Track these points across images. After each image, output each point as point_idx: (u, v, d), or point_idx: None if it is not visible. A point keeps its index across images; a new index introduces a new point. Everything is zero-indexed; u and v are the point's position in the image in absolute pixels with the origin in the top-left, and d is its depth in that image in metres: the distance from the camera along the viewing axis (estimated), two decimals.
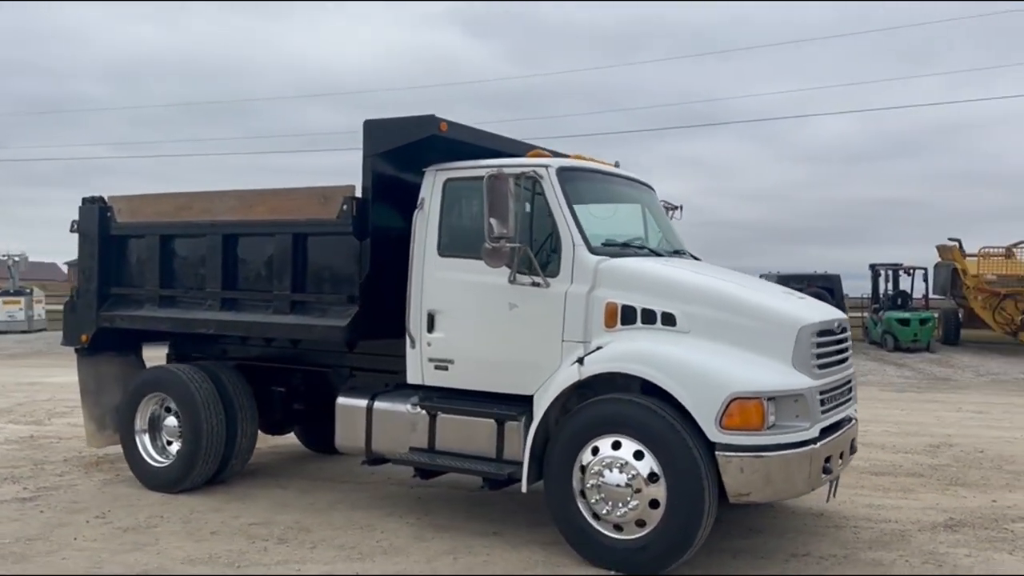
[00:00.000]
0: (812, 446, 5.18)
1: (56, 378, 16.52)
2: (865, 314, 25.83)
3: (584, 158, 6.50)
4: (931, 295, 24.48)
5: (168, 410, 7.51)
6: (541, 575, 5.31)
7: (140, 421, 7.52)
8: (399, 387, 6.66)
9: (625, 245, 6.07)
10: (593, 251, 5.72)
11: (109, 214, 7.81)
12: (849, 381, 6.00)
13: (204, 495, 7.15)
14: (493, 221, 5.51)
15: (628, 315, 5.51)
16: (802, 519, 6.54)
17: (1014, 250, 23.73)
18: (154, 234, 7.50)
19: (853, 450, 6.00)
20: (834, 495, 5.83)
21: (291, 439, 9.02)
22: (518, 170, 5.82)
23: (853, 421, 6.01)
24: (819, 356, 5.44)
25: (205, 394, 7.15)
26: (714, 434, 4.98)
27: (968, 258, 23.33)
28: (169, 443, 7.50)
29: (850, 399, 5.98)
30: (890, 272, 24.56)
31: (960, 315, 24.54)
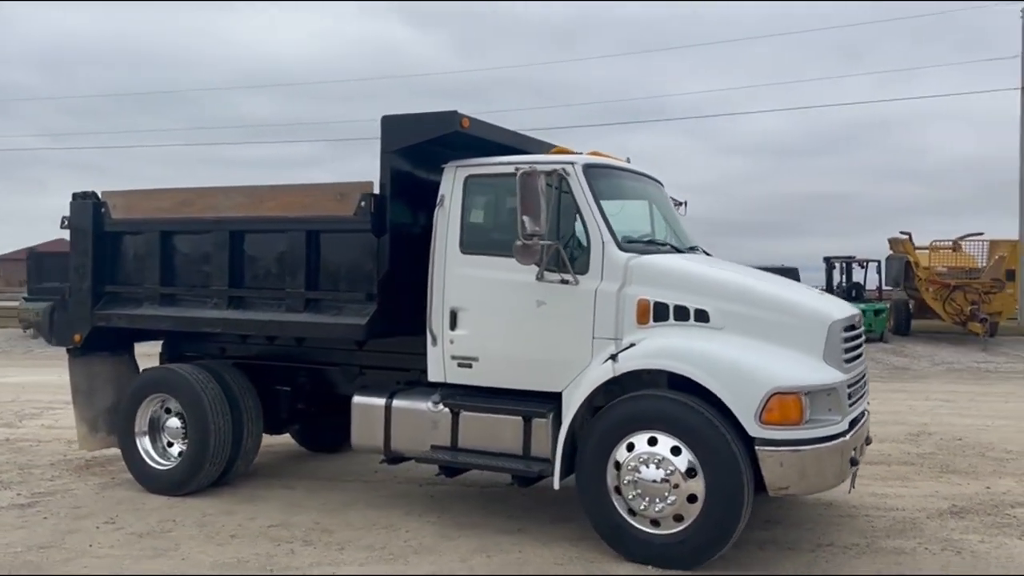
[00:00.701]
0: (843, 439, 5.30)
1: (14, 378, 16.00)
2: None
3: (600, 154, 6.51)
4: (884, 287, 25.19)
5: (168, 411, 7.33)
6: (581, 574, 5.32)
7: (141, 423, 7.32)
8: (413, 385, 6.63)
9: (650, 242, 6.11)
10: (622, 248, 5.75)
11: (103, 210, 7.57)
12: (865, 375, 6.14)
13: (211, 498, 7.00)
14: (526, 218, 5.50)
15: (661, 312, 5.55)
16: (814, 509, 6.68)
17: (961, 243, 24.54)
18: (153, 231, 7.29)
19: (868, 441, 6.16)
20: (853, 486, 5.99)
21: (284, 438, 8.88)
22: (545, 167, 5.81)
23: (867, 414, 6.16)
24: (846, 351, 5.56)
25: (212, 395, 7.00)
26: (754, 429, 5.06)
27: (918, 251, 24.05)
28: (170, 445, 7.33)
29: (866, 392, 6.13)
30: (844, 264, 25.18)
31: (911, 306, 25.30)
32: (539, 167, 5.60)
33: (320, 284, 6.63)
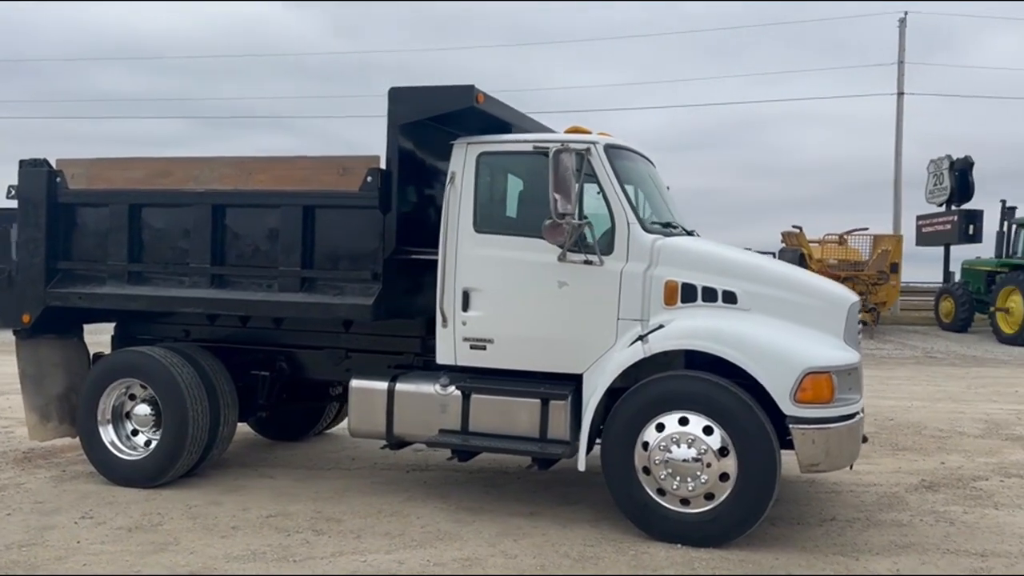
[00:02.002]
0: (860, 416, 5.50)
1: None
2: None
3: (582, 129, 6.37)
4: None
5: (133, 397, 6.84)
6: (615, 554, 5.30)
7: (104, 411, 6.79)
8: (407, 368, 6.45)
9: (667, 224, 6.13)
10: (646, 229, 5.75)
11: (58, 179, 6.95)
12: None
13: (188, 489, 6.57)
14: (558, 197, 5.41)
15: (688, 293, 5.59)
16: (801, 487, 6.90)
17: (846, 237, 25.96)
18: (121, 203, 6.74)
19: None
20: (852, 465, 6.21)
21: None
22: (552, 145, 5.73)
23: None
24: (858, 332, 5.77)
25: (188, 380, 6.56)
26: (788, 408, 5.17)
27: (810, 244, 25.28)
28: (135, 433, 6.83)
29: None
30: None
31: None
32: (571, 146, 5.52)
33: (318, 263, 6.32)
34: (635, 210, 5.77)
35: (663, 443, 5.36)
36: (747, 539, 5.42)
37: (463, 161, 6.10)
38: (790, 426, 5.18)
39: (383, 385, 6.25)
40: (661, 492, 5.41)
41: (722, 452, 5.26)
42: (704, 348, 5.35)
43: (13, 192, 7.05)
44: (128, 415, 6.86)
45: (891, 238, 25.50)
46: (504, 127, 6.42)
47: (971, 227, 26.91)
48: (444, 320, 6.07)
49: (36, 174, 6.96)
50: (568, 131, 6.17)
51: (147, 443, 6.78)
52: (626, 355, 5.53)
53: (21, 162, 7.09)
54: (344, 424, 8.72)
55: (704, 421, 5.30)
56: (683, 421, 5.35)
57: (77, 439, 7.41)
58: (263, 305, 6.43)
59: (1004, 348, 20.24)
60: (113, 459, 6.72)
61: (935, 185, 28.89)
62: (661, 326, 5.54)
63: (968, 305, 23.81)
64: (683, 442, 5.31)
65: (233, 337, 7.15)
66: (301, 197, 6.27)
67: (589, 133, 6.10)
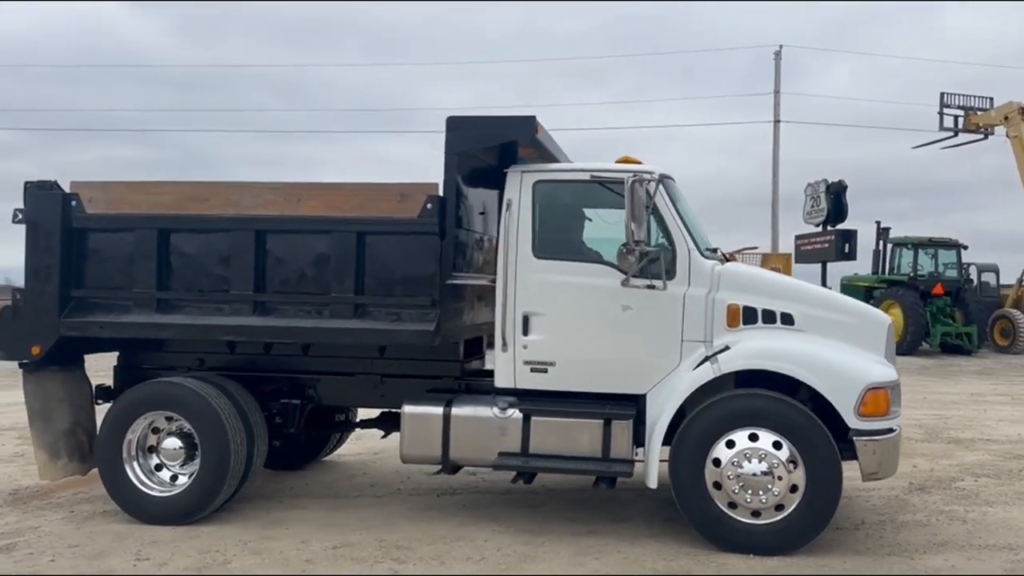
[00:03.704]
0: (900, 428, 6.01)
1: None
2: None
3: (632, 159, 6.68)
4: None
5: (156, 431, 6.55)
6: (694, 567, 5.55)
7: (130, 446, 6.46)
8: (444, 391, 6.52)
9: (713, 250, 6.47)
10: (704, 255, 6.07)
11: (74, 203, 6.59)
12: None
13: (225, 524, 6.34)
14: (633, 225, 5.66)
15: (749, 316, 5.94)
16: None
17: (736, 256, 27.40)
18: (150, 228, 6.47)
19: None
20: None
21: None
22: (618, 176, 6.00)
23: None
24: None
25: (227, 411, 6.37)
26: (853, 421, 5.60)
27: None
28: (159, 468, 6.54)
29: None
30: None
31: None
32: (645, 176, 5.78)
33: (372, 289, 6.27)
34: (694, 237, 6.08)
35: (735, 459, 5.66)
36: (806, 546, 5.79)
37: (519, 188, 6.24)
38: (853, 438, 5.61)
39: (438, 410, 6.27)
40: (732, 505, 5.70)
41: (791, 465, 5.62)
42: (775, 368, 5.71)
43: (20, 216, 6.62)
44: (152, 449, 6.56)
45: (780, 256, 27.14)
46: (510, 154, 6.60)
47: (847, 245, 28.93)
48: (504, 344, 6.18)
49: (48, 197, 6.57)
50: (619, 161, 6.43)
51: (173, 478, 6.50)
52: (696, 375, 5.82)
53: (27, 184, 6.67)
54: (339, 451, 8.69)
55: (773, 436, 5.65)
56: (753, 437, 5.68)
57: (82, 476, 7.08)
58: (315, 332, 6.32)
59: None
60: (143, 497, 6.40)
61: (812, 207, 30.85)
62: (727, 347, 5.86)
63: None
64: (754, 457, 5.64)
65: (253, 365, 6.96)
66: (357, 223, 6.22)
67: (640, 163, 6.37)
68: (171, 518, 6.32)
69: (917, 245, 25.36)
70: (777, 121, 34.44)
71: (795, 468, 5.61)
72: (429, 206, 6.13)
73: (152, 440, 6.56)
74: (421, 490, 7.46)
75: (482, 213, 7.02)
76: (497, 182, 6.84)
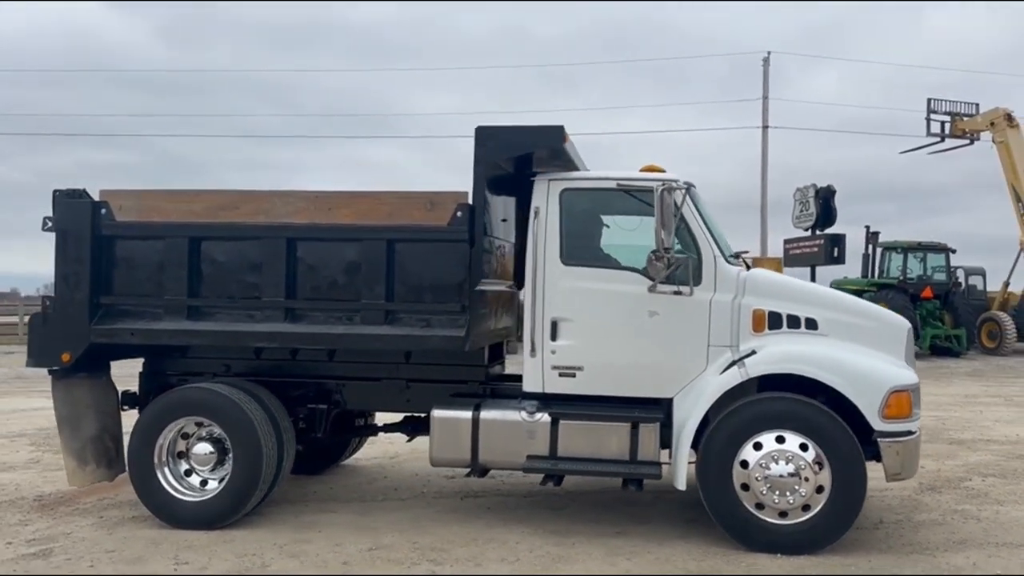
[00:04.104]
0: (920, 429, 6.17)
1: None
2: None
3: (656, 168, 6.81)
4: None
5: (186, 436, 6.62)
6: (724, 566, 5.69)
7: (161, 451, 6.52)
8: (469, 395, 6.63)
9: (736, 256, 6.61)
10: (728, 262, 6.22)
11: (103, 211, 6.65)
12: None
13: (256, 528, 6.41)
14: (663, 232, 5.80)
15: (775, 320, 6.10)
16: None
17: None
18: (181, 235, 6.54)
19: None
20: None
21: None
22: (647, 184, 6.15)
23: None
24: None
25: (259, 416, 6.45)
26: (877, 424, 5.75)
27: None
28: (188, 474, 6.61)
29: None
30: None
31: None
32: (674, 185, 5.93)
33: (402, 295, 6.38)
34: (719, 244, 6.22)
35: (763, 461, 5.80)
36: (830, 546, 5.94)
37: (546, 196, 6.37)
38: (878, 440, 5.77)
39: (467, 414, 6.37)
40: (759, 506, 5.84)
41: (818, 466, 5.76)
42: (802, 372, 5.85)
43: (50, 224, 6.68)
44: (181, 455, 6.62)
45: (771, 260, 27.38)
46: (526, 161, 6.74)
47: (836, 249, 29.23)
48: (533, 349, 6.30)
49: (78, 206, 6.64)
50: (643, 169, 6.56)
51: (203, 483, 6.57)
52: (724, 379, 5.96)
53: (56, 192, 6.73)
54: (356, 455, 8.77)
55: (800, 439, 5.79)
56: (780, 439, 5.82)
57: (109, 483, 7.13)
58: (347, 338, 6.41)
59: None
60: (174, 502, 6.46)
61: (801, 211, 31.10)
62: (753, 352, 6.00)
63: None
64: (781, 459, 5.78)
65: (280, 370, 7.05)
66: (388, 231, 6.32)
67: (663, 171, 6.51)
68: (203, 523, 6.38)
69: (907, 249, 25.73)
70: (766, 127, 34.72)
71: (821, 469, 5.76)
72: (459, 214, 6.24)
73: (181, 445, 6.62)
74: (444, 493, 7.57)
75: (504, 220, 7.14)
76: (512, 188, 6.98)
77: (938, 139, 29.16)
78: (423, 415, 7.17)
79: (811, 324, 6.11)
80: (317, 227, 6.41)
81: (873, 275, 26.46)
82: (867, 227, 27.08)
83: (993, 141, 27.07)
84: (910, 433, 5.90)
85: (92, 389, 7.00)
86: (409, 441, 7.51)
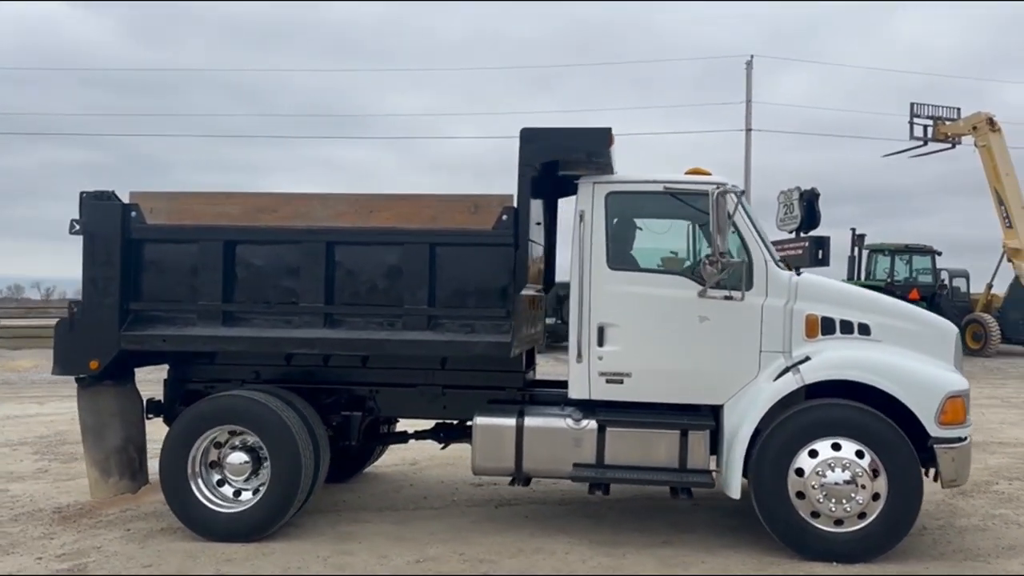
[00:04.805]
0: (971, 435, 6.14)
1: None
2: None
3: (702, 171, 6.74)
4: None
5: (219, 445, 6.42)
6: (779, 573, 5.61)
7: (195, 462, 6.32)
8: (505, 402, 6.54)
9: (781, 260, 6.55)
10: (779, 266, 6.14)
11: (134, 213, 6.44)
12: None
13: (293, 539, 6.24)
14: (718, 236, 5.71)
15: (828, 326, 6.03)
16: None
17: None
18: (216, 239, 6.35)
19: None
20: None
21: None
22: (698, 188, 6.07)
23: None
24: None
25: (296, 424, 6.27)
26: (934, 430, 5.71)
27: None
28: (221, 484, 6.41)
29: None
30: None
31: None
32: (729, 188, 5.85)
33: (446, 300, 6.24)
34: (769, 249, 6.15)
35: (819, 468, 5.73)
36: (885, 554, 5.89)
37: (591, 200, 6.25)
38: (934, 446, 5.72)
39: (511, 422, 6.25)
40: (815, 515, 5.77)
41: (874, 473, 5.70)
42: (858, 378, 5.79)
43: (77, 227, 6.46)
44: (213, 464, 6.42)
45: None
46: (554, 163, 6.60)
47: (820, 252, 29.38)
48: (579, 355, 6.18)
49: (108, 208, 6.43)
50: (689, 172, 6.47)
51: (236, 494, 6.38)
52: (778, 386, 5.88)
53: (83, 194, 6.51)
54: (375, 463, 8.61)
55: (855, 446, 5.73)
56: (836, 447, 5.75)
57: (132, 495, 6.92)
58: (389, 344, 6.24)
59: None
60: (209, 514, 6.26)
61: (786, 214, 31.28)
62: (807, 358, 5.93)
63: None
64: (838, 466, 5.72)
65: (311, 377, 6.87)
66: (431, 235, 6.18)
67: (709, 174, 6.42)
68: (239, 535, 6.19)
69: (894, 251, 25.95)
70: (749, 130, 34.90)
71: (877, 476, 5.70)
72: (505, 217, 6.12)
73: (214, 455, 6.43)
74: (475, 501, 7.43)
75: (538, 223, 7.02)
76: (542, 190, 6.81)
77: (921, 143, 29.42)
78: (455, 422, 7.06)
79: (864, 329, 6.05)
80: (358, 231, 6.26)
81: (859, 277, 26.64)
82: (853, 230, 27.31)
83: (975, 145, 27.35)
84: (963, 439, 5.87)
85: (117, 397, 6.79)
86: (443, 448, 7.35)
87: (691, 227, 7.13)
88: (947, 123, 28.88)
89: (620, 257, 6.22)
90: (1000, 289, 27.36)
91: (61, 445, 10.27)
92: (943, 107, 29.40)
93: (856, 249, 27.11)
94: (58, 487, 8.00)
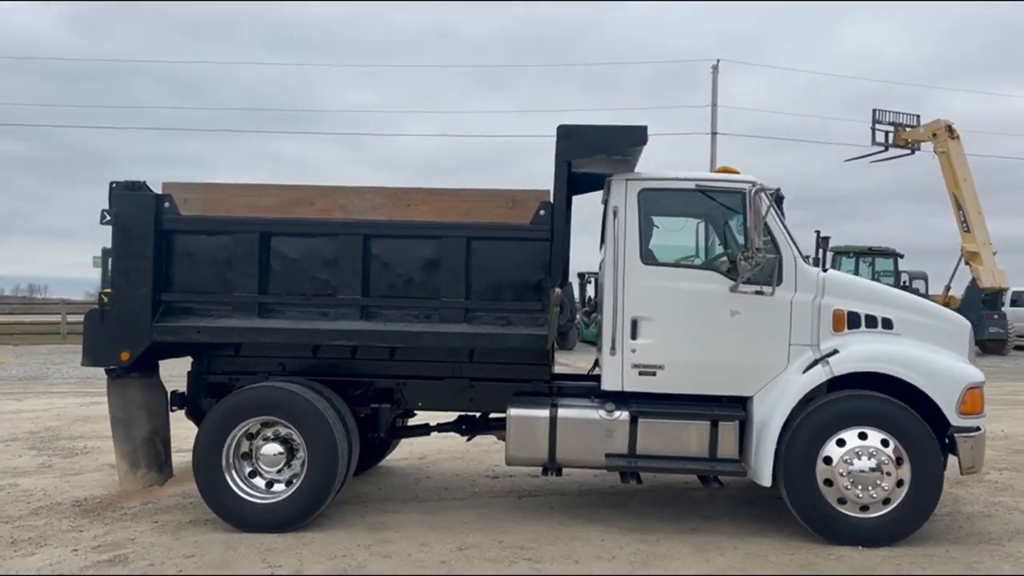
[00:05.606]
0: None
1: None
2: (578, 316, 28.73)
3: (731, 170, 6.94)
4: None
5: (251, 436, 6.43)
6: (813, 558, 5.83)
7: (228, 453, 6.33)
8: (531, 395, 6.64)
9: (806, 258, 6.78)
10: (807, 263, 6.37)
11: (167, 204, 6.43)
12: None
13: (328, 530, 6.28)
14: (755, 234, 5.91)
15: (854, 320, 6.27)
16: None
17: None
18: (251, 231, 6.37)
19: None
20: None
21: None
22: (733, 186, 6.27)
23: None
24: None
25: (332, 416, 6.32)
26: (955, 419, 5.98)
27: None
28: (253, 475, 6.43)
29: None
30: (594, 278, 27.64)
31: None
32: (765, 187, 6.05)
33: (482, 293, 6.34)
34: (797, 245, 6.37)
35: (846, 457, 5.96)
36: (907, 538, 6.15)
37: (624, 196, 6.41)
38: (955, 435, 6.00)
39: (544, 413, 6.37)
40: (842, 501, 6.00)
41: (899, 461, 5.95)
42: (886, 370, 6.03)
43: (108, 218, 6.42)
44: (246, 455, 6.44)
45: None
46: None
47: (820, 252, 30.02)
48: (613, 348, 6.33)
49: (140, 198, 6.40)
50: (719, 171, 6.67)
51: (268, 485, 6.41)
52: (807, 378, 6.10)
53: (113, 184, 6.48)
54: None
55: (881, 435, 5.98)
56: (862, 436, 5.99)
57: (159, 487, 6.90)
58: (426, 336, 6.32)
59: None
60: (244, 505, 6.27)
61: None
62: (835, 351, 6.16)
63: None
64: (864, 455, 5.96)
65: (337, 369, 6.91)
66: (468, 229, 6.28)
67: (738, 172, 6.62)
68: (275, 525, 6.22)
69: (858, 254, 26.62)
70: (715, 133, 35.50)
71: (901, 464, 5.95)
72: (542, 212, 6.25)
73: (246, 446, 6.44)
74: (496, 493, 7.54)
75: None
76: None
77: (882, 148, 30.25)
78: (478, 415, 7.16)
79: (887, 324, 6.31)
80: (396, 224, 6.33)
81: None
82: (817, 232, 27.24)
83: (935, 151, 28.23)
84: (979, 428, 6.15)
85: (144, 389, 6.76)
86: (468, 440, 7.45)
87: (708, 225, 7.33)
88: (907, 129, 29.76)
89: (654, 253, 6.38)
90: (958, 291, 28.25)
91: (55, 440, 10.13)
92: (903, 114, 30.30)
93: (820, 251, 27.69)
94: (68, 481, 7.91)
